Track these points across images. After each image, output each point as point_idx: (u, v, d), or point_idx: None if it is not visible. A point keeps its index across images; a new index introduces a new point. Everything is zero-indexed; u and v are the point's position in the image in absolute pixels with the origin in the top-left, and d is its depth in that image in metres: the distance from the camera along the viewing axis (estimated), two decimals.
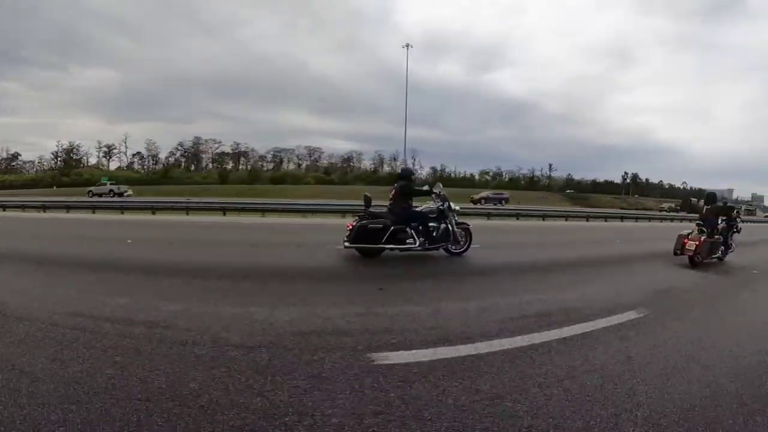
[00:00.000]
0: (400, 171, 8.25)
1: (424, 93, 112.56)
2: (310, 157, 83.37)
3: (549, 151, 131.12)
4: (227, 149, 79.63)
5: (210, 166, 78.89)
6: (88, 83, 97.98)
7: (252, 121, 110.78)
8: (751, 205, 78.59)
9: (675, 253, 7.18)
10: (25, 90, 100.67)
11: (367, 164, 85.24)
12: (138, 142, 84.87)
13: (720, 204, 8.28)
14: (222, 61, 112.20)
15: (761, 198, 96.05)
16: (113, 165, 76.23)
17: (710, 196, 8.02)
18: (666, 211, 50.04)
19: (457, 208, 6.95)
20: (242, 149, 79.88)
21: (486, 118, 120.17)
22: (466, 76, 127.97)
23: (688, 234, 7.21)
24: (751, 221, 38.06)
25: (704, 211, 7.70)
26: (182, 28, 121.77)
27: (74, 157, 72.48)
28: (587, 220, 23.43)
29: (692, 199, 62.25)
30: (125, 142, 75.25)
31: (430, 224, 6.42)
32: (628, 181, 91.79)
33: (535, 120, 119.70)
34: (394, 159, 57.49)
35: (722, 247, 7.80)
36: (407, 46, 43.07)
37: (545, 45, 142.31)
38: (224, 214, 17.01)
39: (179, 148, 77.55)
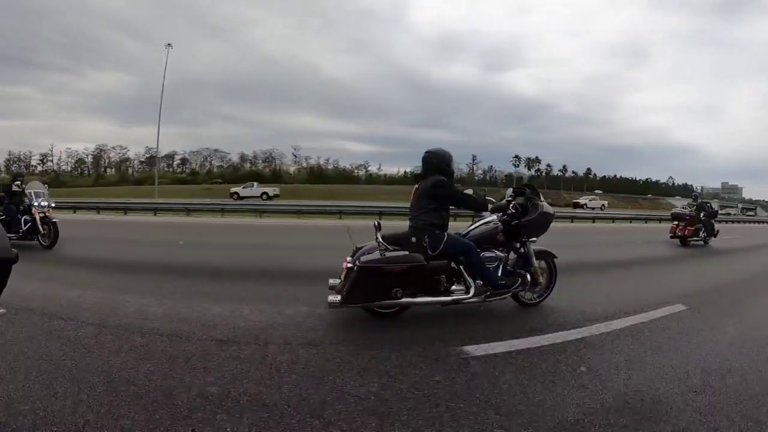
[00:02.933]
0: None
1: (436, 93, 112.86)
2: (211, 160, 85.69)
3: (562, 151, 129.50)
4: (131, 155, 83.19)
5: (111, 170, 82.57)
6: (100, 86, 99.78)
7: (264, 123, 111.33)
8: (752, 203, 75.32)
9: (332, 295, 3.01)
10: (38, 94, 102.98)
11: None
12: (144, 146, 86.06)
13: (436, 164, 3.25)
14: (233, 63, 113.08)
15: (734, 188, 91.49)
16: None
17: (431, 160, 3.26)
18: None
19: (44, 203, 7.24)
20: (152, 154, 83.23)
21: (499, 119, 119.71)
22: (480, 76, 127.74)
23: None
24: (751, 221, 37.09)
25: (415, 191, 3.27)
26: (191, 31, 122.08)
27: (22, 164, 76.90)
28: (454, 219, 16.84)
29: None
30: (51, 151, 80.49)
31: None
32: (534, 171, 73.87)
33: (549, 120, 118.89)
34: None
35: (477, 284, 3.12)
36: (168, 45, 40.21)
37: (559, 44, 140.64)
38: None
39: (88, 154, 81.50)
